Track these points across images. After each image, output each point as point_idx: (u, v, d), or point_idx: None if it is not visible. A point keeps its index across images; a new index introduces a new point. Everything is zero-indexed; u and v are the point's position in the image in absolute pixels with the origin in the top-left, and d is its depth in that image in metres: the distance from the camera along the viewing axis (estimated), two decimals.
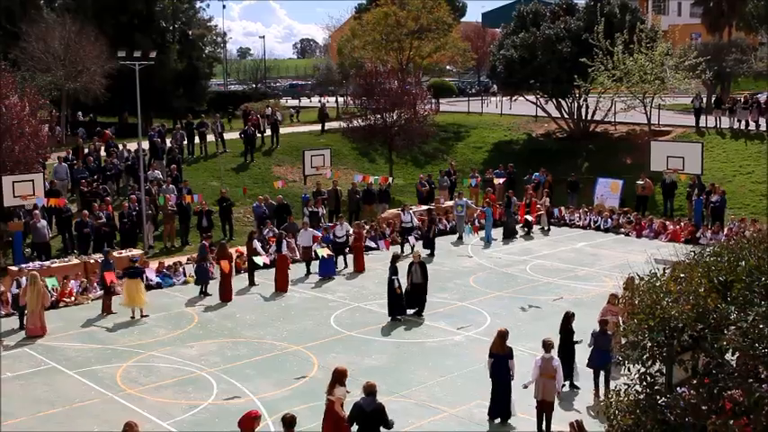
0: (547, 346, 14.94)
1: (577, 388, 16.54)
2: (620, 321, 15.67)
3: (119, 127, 46.64)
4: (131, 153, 34.64)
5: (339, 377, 13.24)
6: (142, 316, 22.45)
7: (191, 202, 30.60)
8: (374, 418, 12.55)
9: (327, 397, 13.14)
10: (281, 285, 25.01)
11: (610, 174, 36.85)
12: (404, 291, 21.86)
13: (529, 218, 32.69)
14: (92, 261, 25.97)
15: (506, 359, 15.09)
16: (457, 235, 32.05)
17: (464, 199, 32.76)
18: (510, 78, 44.24)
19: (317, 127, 47.35)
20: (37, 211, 27.68)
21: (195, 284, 25.29)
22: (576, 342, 16.59)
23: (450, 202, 35.08)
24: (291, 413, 12.16)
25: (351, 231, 27.91)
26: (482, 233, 31.64)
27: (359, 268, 27.25)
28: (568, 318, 16.71)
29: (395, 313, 21.70)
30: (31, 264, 25.60)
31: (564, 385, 15.87)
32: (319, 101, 54.89)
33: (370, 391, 12.70)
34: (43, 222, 27.68)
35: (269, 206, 31.53)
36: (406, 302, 21.98)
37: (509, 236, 31.97)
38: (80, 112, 53.22)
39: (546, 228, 33.39)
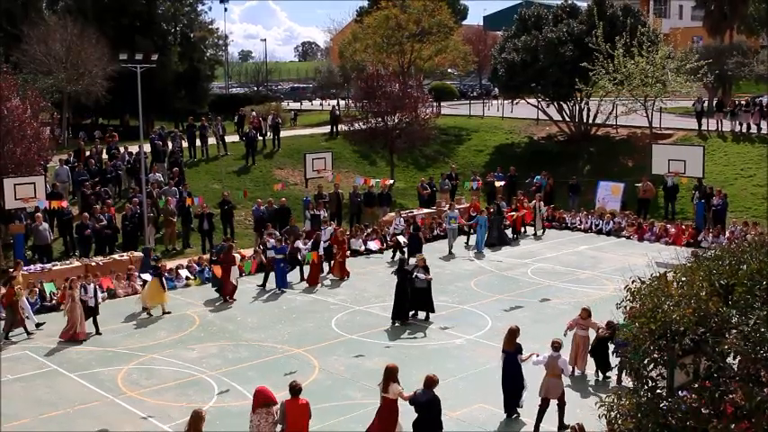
0: (555, 346, 15.24)
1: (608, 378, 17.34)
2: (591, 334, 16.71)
3: (121, 129, 46.63)
4: (132, 155, 34.64)
5: (392, 374, 13.74)
6: (148, 314, 22.71)
7: (191, 204, 30.62)
8: (427, 409, 13.26)
9: (382, 394, 13.75)
10: (313, 280, 25.82)
11: (611, 177, 36.84)
12: (408, 294, 21.88)
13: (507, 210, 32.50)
14: (93, 264, 25.99)
15: (514, 355, 15.52)
16: (448, 246, 30.22)
17: (455, 210, 31.52)
18: (511, 81, 44.22)
19: (319, 130, 47.37)
20: (39, 214, 27.71)
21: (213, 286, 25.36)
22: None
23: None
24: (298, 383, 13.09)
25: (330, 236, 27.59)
26: (472, 239, 31.17)
27: (341, 274, 26.66)
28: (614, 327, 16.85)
29: (398, 317, 21.72)
30: (32, 266, 25.63)
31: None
32: (321, 104, 54.94)
33: (428, 383, 13.37)
34: (45, 225, 27.71)
35: (270, 209, 31.54)
36: (410, 307, 22.00)
37: (497, 243, 30.93)
38: (87, 115, 53.21)
39: (539, 233, 33.08)
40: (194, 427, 12.30)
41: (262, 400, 12.82)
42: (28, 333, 21.19)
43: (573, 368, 17.00)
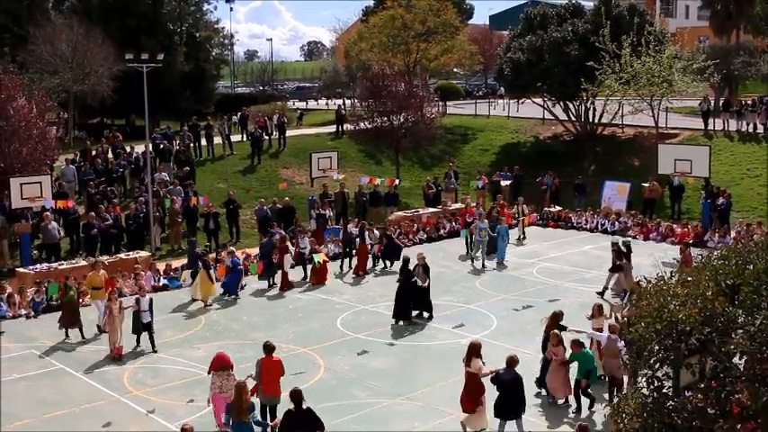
0: (612, 329, 16.27)
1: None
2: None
3: (126, 129, 46.70)
4: (137, 154, 34.69)
5: (475, 350, 14.98)
6: (205, 305, 23.49)
7: (196, 203, 30.62)
8: (511, 387, 14.33)
9: (466, 369, 14.92)
10: (361, 268, 26.80)
11: (617, 176, 36.76)
12: (409, 294, 21.83)
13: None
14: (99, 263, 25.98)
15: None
16: (470, 257, 28.64)
17: (485, 222, 28.50)
18: (517, 81, 44.17)
19: (324, 129, 47.37)
20: (48, 213, 27.73)
21: (260, 279, 26.04)
22: None
23: (458, 205, 34.98)
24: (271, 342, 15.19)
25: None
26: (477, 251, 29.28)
27: (319, 279, 26.01)
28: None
29: (402, 317, 21.71)
30: (38, 265, 25.68)
31: None
32: (327, 103, 54.94)
33: (510, 363, 14.53)
34: (54, 224, 27.74)
35: (274, 209, 31.55)
36: (413, 306, 21.98)
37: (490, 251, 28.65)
38: (93, 114, 53.20)
39: (521, 237, 31.98)
40: (239, 398, 13.20)
41: (220, 364, 14.73)
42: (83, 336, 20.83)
43: (553, 398, 16.48)
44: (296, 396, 12.78)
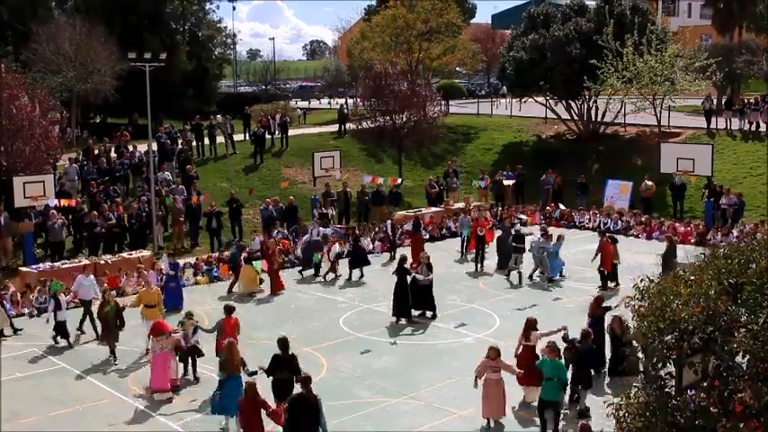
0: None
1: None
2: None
3: (129, 128, 46.67)
4: (140, 153, 34.72)
5: (531, 325, 16.10)
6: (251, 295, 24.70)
7: (196, 202, 30.59)
8: (588, 358, 15.78)
9: (524, 343, 15.93)
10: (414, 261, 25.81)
11: (619, 175, 36.73)
12: (407, 293, 21.82)
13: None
14: (102, 262, 26.02)
15: (599, 320, 17.46)
16: (542, 273, 26.12)
17: (550, 244, 26.23)
18: (519, 80, 44.12)
19: (327, 128, 47.39)
20: (54, 211, 27.74)
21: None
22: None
23: (460, 204, 34.94)
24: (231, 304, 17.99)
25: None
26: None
27: (275, 289, 24.95)
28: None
29: (401, 315, 21.72)
30: (41, 264, 25.68)
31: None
32: (329, 102, 54.84)
33: (585, 335, 15.88)
34: (59, 222, 27.75)
35: (277, 208, 31.54)
36: (413, 305, 21.96)
37: (504, 265, 27.07)
38: (96, 113, 53.27)
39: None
40: (231, 355, 14.84)
41: (159, 329, 16.88)
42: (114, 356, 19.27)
43: (488, 420, 15.29)
44: (282, 343, 15.13)
